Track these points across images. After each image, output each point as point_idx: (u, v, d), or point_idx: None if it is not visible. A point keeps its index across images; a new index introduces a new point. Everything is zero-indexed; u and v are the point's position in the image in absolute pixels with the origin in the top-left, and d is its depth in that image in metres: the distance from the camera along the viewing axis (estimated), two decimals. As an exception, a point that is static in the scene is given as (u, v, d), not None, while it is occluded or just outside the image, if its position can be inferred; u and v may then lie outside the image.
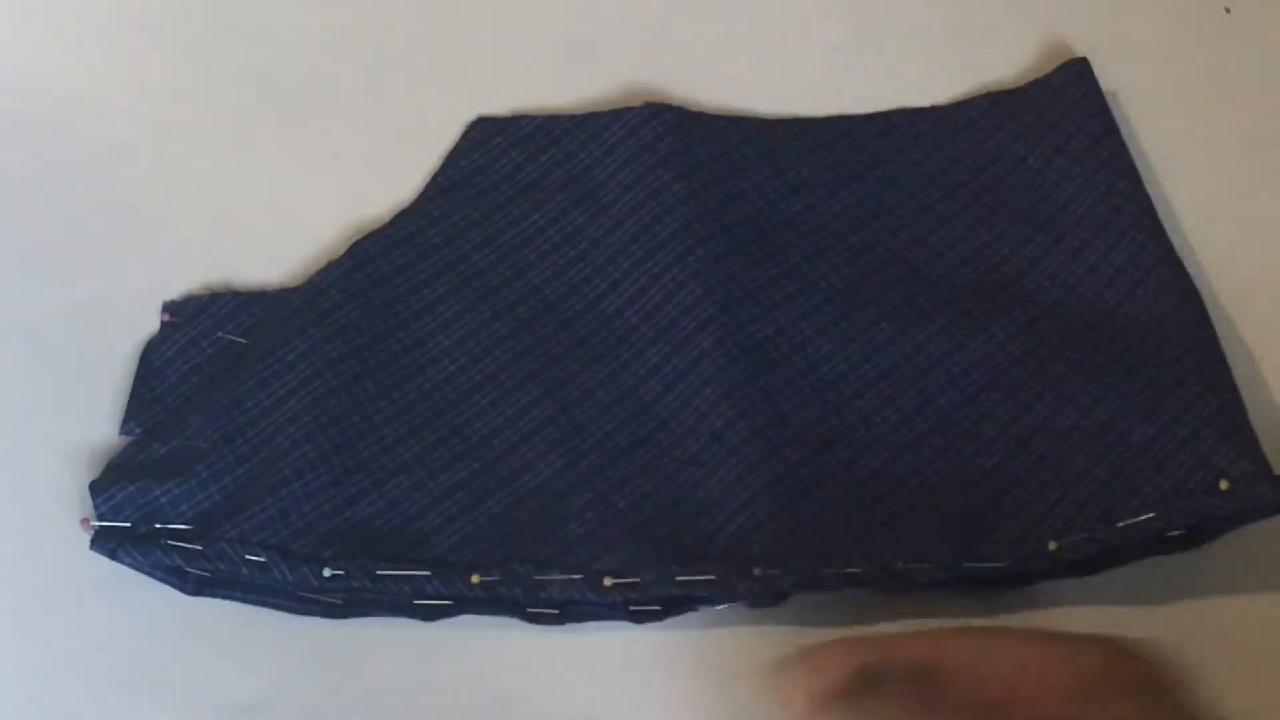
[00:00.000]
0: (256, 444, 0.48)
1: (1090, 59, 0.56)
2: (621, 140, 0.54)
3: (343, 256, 0.52)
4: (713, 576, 0.45)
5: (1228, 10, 0.56)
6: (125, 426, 0.49)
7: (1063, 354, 0.49)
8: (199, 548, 0.46)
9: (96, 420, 0.50)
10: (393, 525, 0.47)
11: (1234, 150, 0.56)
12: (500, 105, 0.56)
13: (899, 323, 0.50)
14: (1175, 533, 0.47)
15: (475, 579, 0.46)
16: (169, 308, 0.52)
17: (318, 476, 0.48)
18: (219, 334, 0.51)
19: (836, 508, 0.47)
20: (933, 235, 0.53)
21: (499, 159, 0.54)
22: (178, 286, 0.53)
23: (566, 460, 0.49)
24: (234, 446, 0.48)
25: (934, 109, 0.57)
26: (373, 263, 0.52)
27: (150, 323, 0.52)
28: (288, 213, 0.54)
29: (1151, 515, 0.45)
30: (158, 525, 0.46)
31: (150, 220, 0.54)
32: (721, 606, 0.46)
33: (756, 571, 0.45)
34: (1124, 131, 0.55)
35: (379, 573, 0.46)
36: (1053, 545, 0.46)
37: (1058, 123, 0.55)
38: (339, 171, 0.55)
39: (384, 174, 0.55)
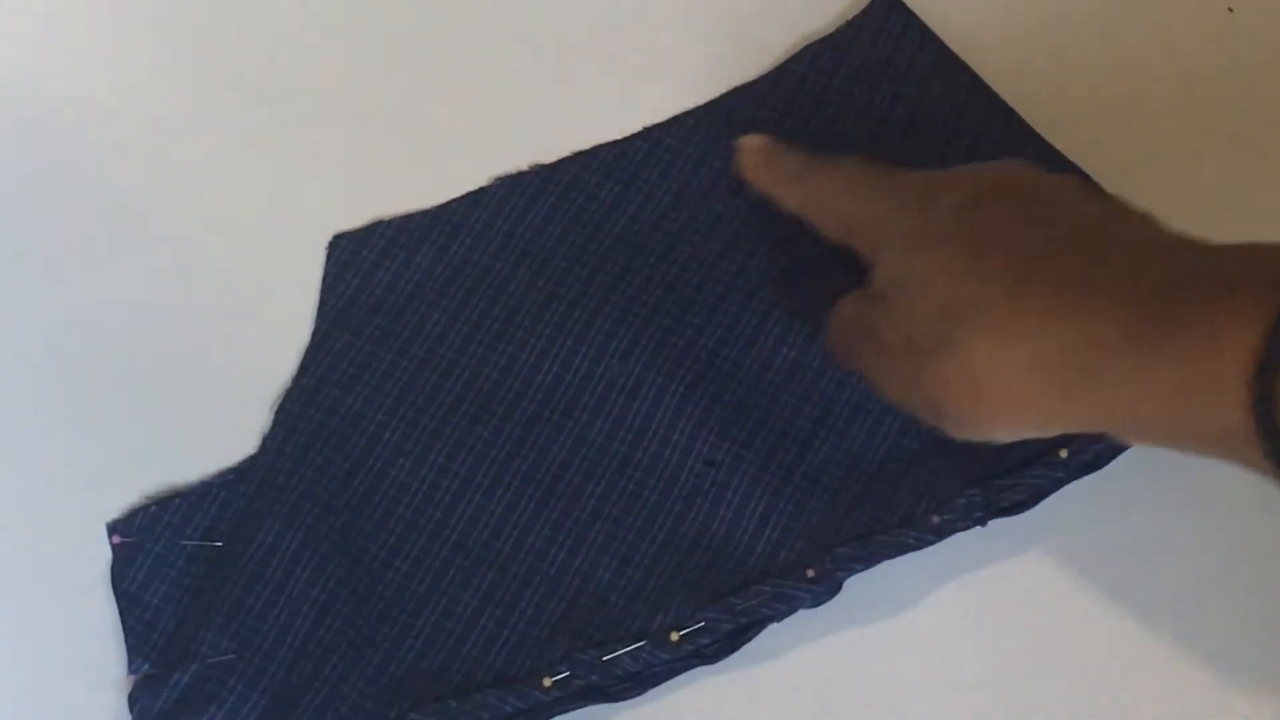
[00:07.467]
0: (276, 637, 0.47)
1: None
2: (489, 222, 0.53)
3: (271, 428, 0.50)
4: (769, 590, 0.46)
5: (1230, 10, 0.55)
6: (133, 665, 0.47)
7: None
8: None
9: (95, 418, 0.51)
10: (440, 661, 0.46)
11: (1235, 150, 0.56)
12: (504, 108, 0.56)
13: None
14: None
15: (547, 682, 0.45)
16: (117, 527, 0.49)
17: (350, 644, 0.47)
18: (182, 543, 0.49)
19: (846, 487, 0.48)
20: None
21: (375, 272, 0.52)
22: (176, 289, 0.53)
23: (575, 537, 0.48)
24: (256, 649, 0.47)
25: (761, 79, 0.55)
26: (302, 420, 0.50)
27: (150, 325, 0.53)
28: (288, 213, 0.54)
29: (1013, 488, 0.47)
30: None
31: (150, 220, 0.54)
32: (787, 619, 0.47)
33: (810, 573, 0.46)
34: (1122, 128, 0.55)
35: (454, 711, 0.45)
36: (935, 519, 0.47)
37: (890, 58, 0.54)
38: (341, 171, 0.55)
39: (386, 173, 0.55)
